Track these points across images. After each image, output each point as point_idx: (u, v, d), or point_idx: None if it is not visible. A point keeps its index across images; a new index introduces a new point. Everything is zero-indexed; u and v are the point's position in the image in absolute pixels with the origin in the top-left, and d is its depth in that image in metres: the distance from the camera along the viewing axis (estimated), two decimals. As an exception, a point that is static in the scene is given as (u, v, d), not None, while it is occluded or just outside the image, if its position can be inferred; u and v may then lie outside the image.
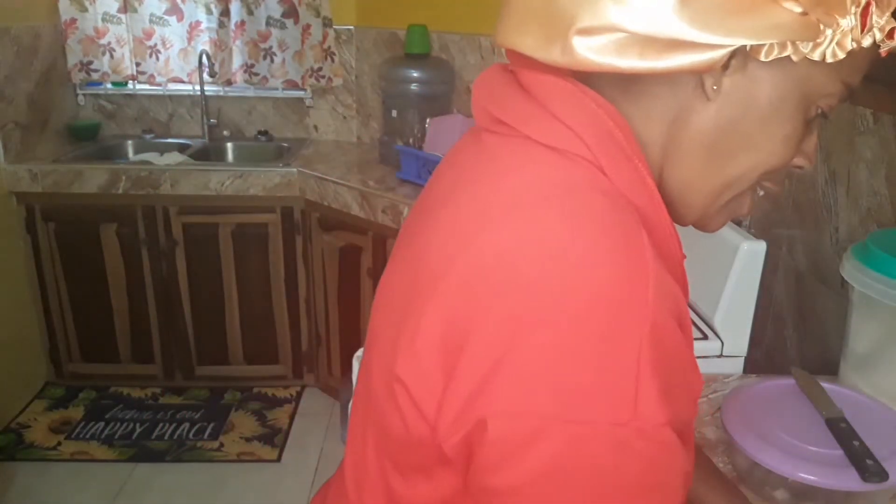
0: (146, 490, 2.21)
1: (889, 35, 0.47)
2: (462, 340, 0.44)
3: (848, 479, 0.76)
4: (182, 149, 2.70)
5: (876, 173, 1.22)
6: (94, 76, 2.79)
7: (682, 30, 0.43)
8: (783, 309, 1.55)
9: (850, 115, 1.30)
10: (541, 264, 0.43)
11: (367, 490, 0.57)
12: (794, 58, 0.46)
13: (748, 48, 0.45)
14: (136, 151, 2.80)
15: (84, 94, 2.88)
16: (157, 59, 2.80)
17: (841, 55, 0.46)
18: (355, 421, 0.60)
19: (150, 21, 2.75)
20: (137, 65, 2.81)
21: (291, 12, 2.72)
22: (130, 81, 2.85)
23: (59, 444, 2.39)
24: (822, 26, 0.45)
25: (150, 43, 2.78)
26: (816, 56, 0.46)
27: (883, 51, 0.48)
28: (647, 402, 0.41)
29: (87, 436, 2.44)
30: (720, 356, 1.22)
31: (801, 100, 0.49)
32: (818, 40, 0.45)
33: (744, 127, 0.49)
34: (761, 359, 1.54)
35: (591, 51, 0.45)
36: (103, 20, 2.74)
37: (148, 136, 2.87)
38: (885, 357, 0.96)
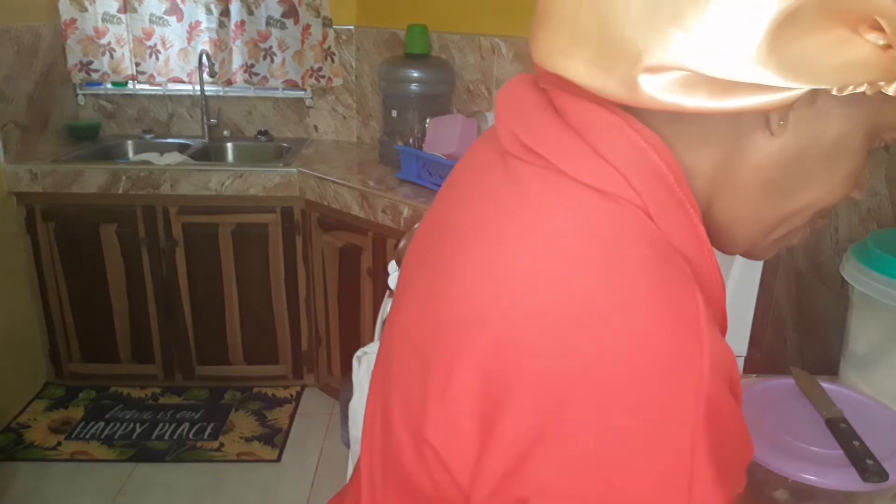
0: (146, 490, 2.21)
1: None
2: (499, 405, 0.40)
3: (848, 479, 0.76)
4: (182, 149, 2.70)
5: (876, 173, 1.22)
6: (94, 76, 2.79)
7: (763, 75, 0.39)
8: (783, 309, 1.55)
9: (850, 115, 1.30)
10: (583, 329, 0.39)
11: None
12: (869, 92, 0.41)
13: None
14: (136, 151, 2.80)
15: (84, 94, 2.88)
16: (157, 59, 2.80)
17: None
18: (369, 461, 0.54)
19: (150, 21, 2.75)
20: (137, 65, 2.81)
21: (291, 12, 2.72)
22: (130, 81, 2.85)
23: (59, 444, 2.39)
24: None
25: (150, 43, 2.78)
26: (892, 91, 0.41)
27: None
28: (702, 487, 0.38)
29: (87, 436, 2.44)
30: (720, 356, 1.22)
31: (868, 134, 0.45)
32: None
33: (807, 164, 0.45)
34: (761, 359, 1.54)
35: (658, 89, 0.40)
36: (103, 20, 2.74)
37: (148, 136, 2.87)
38: (885, 357, 0.96)
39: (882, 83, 0.40)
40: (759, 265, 1.18)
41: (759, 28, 0.38)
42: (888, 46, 0.40)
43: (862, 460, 0.77)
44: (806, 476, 0.77)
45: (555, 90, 0.47)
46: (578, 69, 0.43)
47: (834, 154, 0.45)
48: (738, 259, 1.18)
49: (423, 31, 2.48)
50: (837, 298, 1.31)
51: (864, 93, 0.41)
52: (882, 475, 0.75)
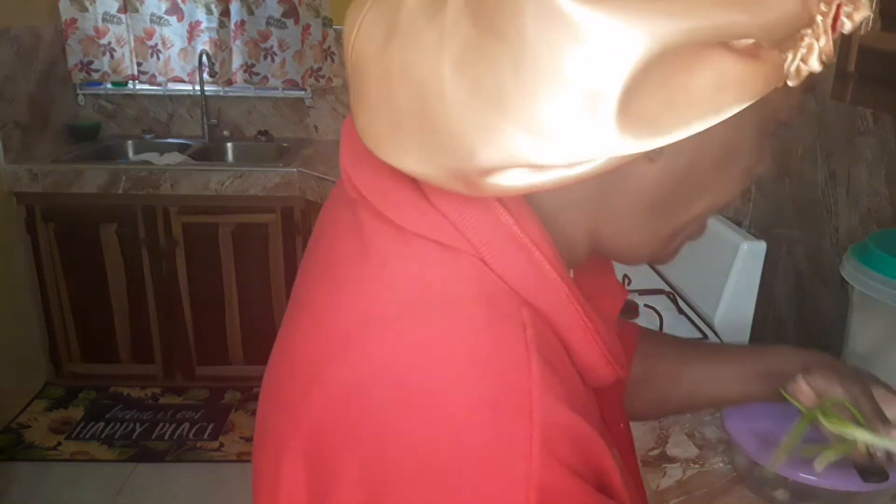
0: (146, 490, 2.21)
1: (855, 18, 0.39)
2: (326, 490, 0.37)
3: (848, 479, 0.76)
4: (182, 149, 2.70)
5: (876, 173, 1.22)
6: (95, 76, 2.79)
7: (627, 147, 0.33)
8: (783, 309, 1.55)
9: (850, 114, 1.30)
10: (394, 406, 0.35)
11: None
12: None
13: None
14: (136, 151, 2.80)
15: (84, 94, 2.88)
16: (158, 58, 2.80)
17: (808, 71, 0.38)
18: None
19: (151, 21, 2.75)
20: (139, 65, 2.81)
21: (291, 12, 2.72)
22: (130, 81, 2.85)
23: (59, 444, 2.39)
24: (784, 56, 0.37)
25: (151, 43, 2.78)
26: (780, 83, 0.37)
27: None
28: None
29: (87, 436, 2.44)
30: (720, 356, 1.22)
31: (759, 126, 0.42)
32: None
33: (695, 177, 0.42)
34: (761, 359, 1.53)
35: (503, 183, 0.35)
36: (103, 20, 2.74)
37: (148, 136, 2.87)
38: (885, 357, 0.96)
39: (777, 86, 0.37)
40: (759, 265, 1.18)
41: (608, 105, 0.32)
42: (753, 55, 0.35)
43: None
44: (806, 476, 0.77)
45: None
46: (409, 162, 0.36)
47: (724, 160, 0.42)
48: (739, 259, 1.18)
49: (423, 31, 2.47)
50: (837, 298, 1.31)
51: None
52: (882, 475, 0.75)
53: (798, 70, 0.37)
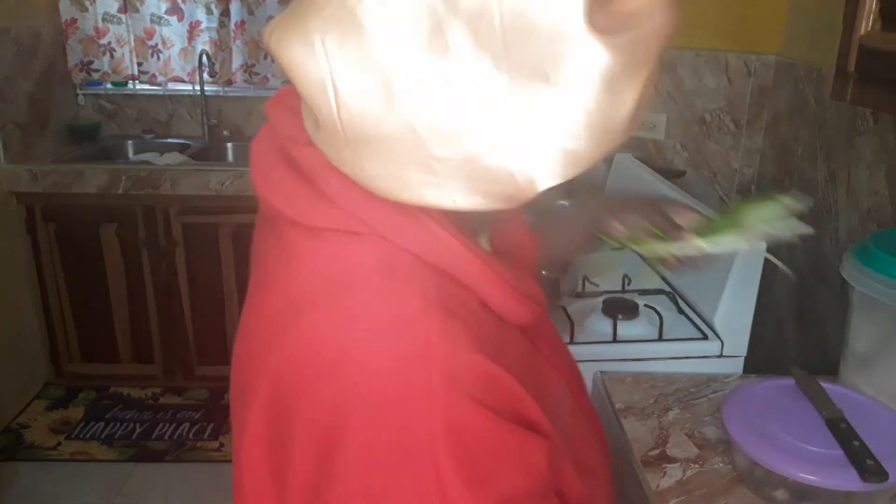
0: (146, 490, 2.21)
1: None
2: (280, 459, 0.44)
3: (848, 479, 0.76)
4: (182, 149, 2.70)
5: (876, 173, 1.22)
6: (95, 76, 2.79)
7: None
8: (783, 309, 1.55)
9: (850, 115, 1.30)
10: (325, 374, 0.42)
11: None
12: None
13: None
14: (136, 151, 2.80)
15: (84, 94, 2.87)
16: (158, 58, 2.80)
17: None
18: None
19: (151, 21, 2.75)
20: (139, 65, 2.81)
21: (291, 12, 2.72)
22: (131, 81, 2.85)
23: (59, 444, 2.39)
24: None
25: (151, 43, 2.78)
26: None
27: None
28: (453, 497, 0.39)
29: (87, 436, 2.44)
30: (720, 356, 1.21)
31: None
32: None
33: None
34: (761, 359, 1.54)
35: (544, 186, 0.42)
36: (103, 20, 2.74)
37: (148, 136, 2.87)
38: (885, 357, 0.96)
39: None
40: (759, 265, 1.18)
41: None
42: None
43: (862, 460, 0.77)
44: (806, 476, 0.77)
45: (290, 143, 0.48)
46: (448, 197, 0.41)
47: None
48: (739, 259, 1.18)
49: (423, 31, 2.47)
50: (837, 298, 1.31)
51: None
52: (882, 475, 0.75)
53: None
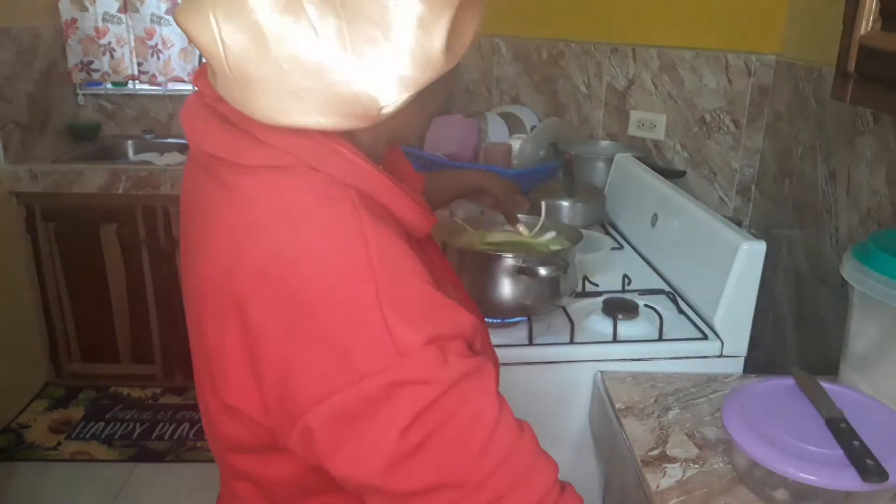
0: (146, 490, 2.21)
1: None
2: (257, 353, 0.53)
3: (848, 479, 0.76)
4: (182, 149, 2.70)
5: (876, 173, 1.22)
6: (95, 76, 2.79)
7: (447, 67, 0.56)
8: (783, 309, 1.55)
9: (850, 115, 1.30)
10: (285, 276, 0.52)
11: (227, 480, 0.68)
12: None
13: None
14: (136, 151, 2.80)
15: (84, 94, 2.88)
16: (158, 58, 2.80)
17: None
18: (208, 435, 0.68)
19: (151, 21, 2.76)
20: (139, 65, 2.81)
21: (291, 12, 2.72)
22: (131, 81, 2.85)
23: (59, 444, 2.39)
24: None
25: (151, 43, 2.78)
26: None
27: None
28: (398, 328, 0.50)
29: (87, 436, 2.44)
30: (720, 356, 1.21)
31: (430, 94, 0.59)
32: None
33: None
34: (761, 359, 1.54)
35: (391, 109, 0.55)
36: (104, 20, 2.74)
37: (148, 136, 2.87)
38: (885, 357, 0.96)
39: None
40: (759, 265, 1.18)
41: (437, 50, 0.54)
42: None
43: (862, 460, 0.77)
44: (806, 476, 0.77)
45: (217, 102, 0.58)
46: (313, 119, 0.54)
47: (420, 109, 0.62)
48: (739, 259, 1.18)
49: (423, 31, 2.47)
50: (837, 298, 1.31)
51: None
52: (882, 475, 0.75)
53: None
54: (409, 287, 0.53)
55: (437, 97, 0.64)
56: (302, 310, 0.51)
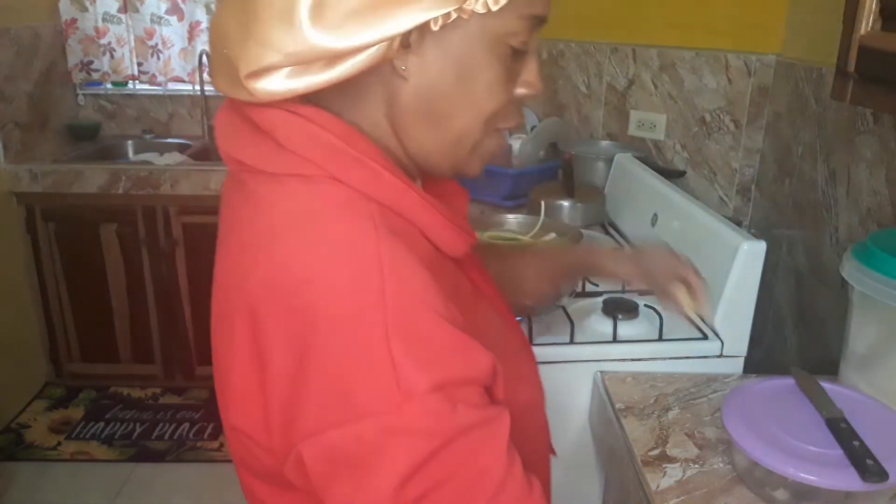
0: (146, 490, 2.21)
1: None
2: (263, 369, 0.50)
3: (848, 479, 0.76)
4: (182, 149, 2.70)
5: (876, 173, 1.22)
6: (95, 76, 2.79)
7: (331, 43, 0.47)
8: (783, 309, 1.55)
9: (850, 115, 1.30)
10: (295, 292, 0.49)
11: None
12: (464, 16, 0.50)
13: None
14: (136, 151, 2.80)
15: (84, 94, 2.88)
16: (158, 58, 2.80)
17: (503, 1, 0.50)
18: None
19: (151, 21, 2.76)
20: (139, 65, 2.81)
21: (291, 12, 2.72)
22: (131, 81, 2.85)
23: (59, 444, 2.39)
24: None
25: (151, 43, 2.78)
26: (480, 9, 0.50)
27: None
28: (405, 371, 0.46)
29: (87, 436, 2.44)
30: (720, 356, 1.21)
31: (489, 48, 0.53)
32: None
33: (443, 91, 0.54)
34: (761, 359, 1.54)
35: (269, 86, 0.49)
36: (104, 20, 2.74)
37: (148, 136, 2.87)
38: (885, 357, 0.96)
39: (471, 6, 0.50)
40: (759, 265, 1.18)
41: (302, 17, 0.47)
42: None
43: (862, 460, 0.77)
44: (806, 476, 0.77)
45: (245, 106, 0.55)
46: (223, 85, 0.53)
47: (462, 77, 0.53)
48: (739, 259, 1.18)
49: (423, 31, 2.47)
50: (837, 298, 1.31)
51: (461, 19, 0.51)
52: (882, 475, 0.75)
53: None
54: (422, 322, 0.48)
55: (482, 69, 0.54)
56: (307, 331, 0.47)
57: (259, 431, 0.52)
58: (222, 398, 0.55)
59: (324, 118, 0.53)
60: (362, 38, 0.47)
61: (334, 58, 0.48)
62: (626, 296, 1.33)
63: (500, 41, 0.53)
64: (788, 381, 0.95)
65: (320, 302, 0.48)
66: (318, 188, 0.53)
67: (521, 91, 0.58)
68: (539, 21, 0.54)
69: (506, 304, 0.73)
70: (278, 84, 0.49)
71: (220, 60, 0.52)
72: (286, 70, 0.49)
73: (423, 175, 0.62)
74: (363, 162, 0.53)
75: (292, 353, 0.48)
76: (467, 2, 0.49)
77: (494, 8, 0.50)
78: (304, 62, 0.48)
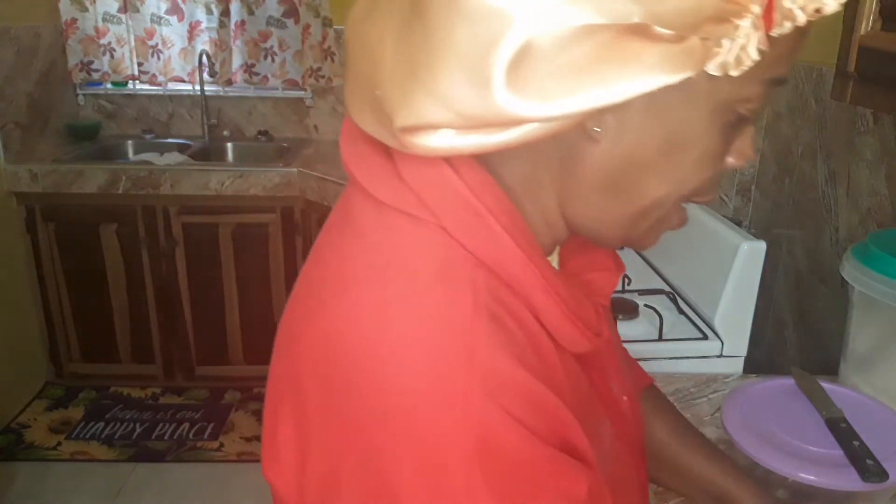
0: (146, 490, 2.21)
1: (817, 10, 0.38)
2: (305, 439, 0.42)
3: (848, 479, 0.76)
4: (182, 149, 2.70)
5: (876, 173, 1.22)
6: (95, 76, 2.79)
7: (524, 111, 0.36)
8: (783, 309, 1.55)
9: (850, 115, 1.30)
10: (356, 359, 0.40)
11: None
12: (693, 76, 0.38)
13: None
14: (136, 151, 2.80)
15: (84, 94, 2.88)
16: (158, 58, 2.80)
17: (749, 63, 0.38)
18: None
19: (151, 21, 2.76)
20: (139, 65, 2.81)
21: (292, 12, 2.72)
22: (131, 81, 2.85)
23: (59, 444, 2.39)
24: (711, 44, 0.37)
25: (151, 43, 2.78)
26: (715, 71, 0.38)
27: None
28: None
29: (87, 436, 2.44)
30: (720, 356, 1.21)
31: (711, 116, 0.42)
32: (713, 58, 0.38)
33: (640, 160, 0.43)
34: (761, 359, 1.54)
35: (430, 143, 0.39)
36: (104, 20, 2.74)
37: (148, 136, 2.87)
38: (885, 357, 0.96)
39: (690, 73, 0.37)
40: (759, 265, 1.18)
41: (496, 75, 0.36)
42: (679, 39, 0.36)
43: (862, 460, 0.77)
44: (806, 476, 0.77)
45: None
46: (367, 122, 0.43)
47: (671, 146, 0.43)
48: (739, 259, 1.18)
49: (423, 31, 2.47)
50: (837, 298, 1.31)
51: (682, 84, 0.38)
52: (882, 475, 0.75)
53: (738, 59, 0.38)
54: (514, 450, 0.39)
55: (686, 132, 0.42)
56: (364, 425, 0.39)
57: (292, 494, 0.44)
58: (265, 442, 0.47)
59: (464, 164, 0.43)
60: (564, 107, 0.36)
61: (520, 122, 0.37)
62: (626, 296, 1.33)
63: (728, 108, 0.42)
64: (788, 382, 0.95)
65: (389, 389, 0.39)
66: (419, 232, 0.44)
67: (730, 161, 0.46)
68: (778, 84, 0.43)
69: (629, 423, 0.62)
70: (441, 142, 0.39)
71: (363, 91, 0.42)
72: (450, 130, 0.38)
73: (560, 239, 0.51)
74: (483, 217, 0.43)
75: (338, 436, 0.40)
76: (707, 65, 0.38)
77: (735, 73, 0.38)
78: (482, 126, 0.38)
